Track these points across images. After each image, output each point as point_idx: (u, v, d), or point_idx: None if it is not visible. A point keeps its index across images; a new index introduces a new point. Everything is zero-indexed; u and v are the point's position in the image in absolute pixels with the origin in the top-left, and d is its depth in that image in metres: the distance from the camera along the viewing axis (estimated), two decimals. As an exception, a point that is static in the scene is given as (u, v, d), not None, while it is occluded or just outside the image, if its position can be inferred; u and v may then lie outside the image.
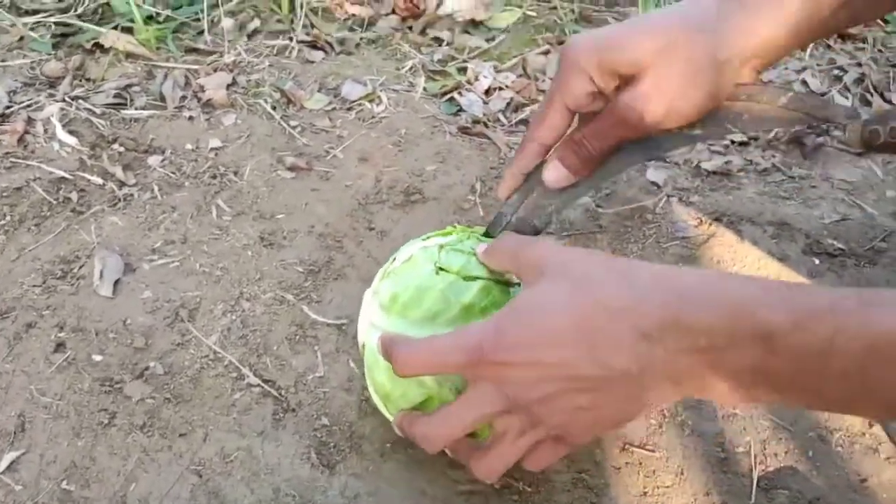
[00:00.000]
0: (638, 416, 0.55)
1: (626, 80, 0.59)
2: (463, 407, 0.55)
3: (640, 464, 0.73)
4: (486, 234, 0.70)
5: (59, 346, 0.80)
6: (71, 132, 1.06)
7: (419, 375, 0.58)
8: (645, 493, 0.71)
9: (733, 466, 0.74)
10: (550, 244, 0.61)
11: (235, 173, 1.03)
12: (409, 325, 0.62)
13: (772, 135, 1.20)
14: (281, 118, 1.12)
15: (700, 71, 0.57)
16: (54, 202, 0.96)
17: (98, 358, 0.79)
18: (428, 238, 0.70)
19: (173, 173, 1.02)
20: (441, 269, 0.64)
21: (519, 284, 0.65)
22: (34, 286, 0.86)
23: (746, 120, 0.62)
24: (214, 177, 1.02)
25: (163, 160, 1.04)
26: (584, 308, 0.50)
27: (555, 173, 0.65)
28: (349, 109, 1.17)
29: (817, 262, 0.96)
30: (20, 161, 1.01)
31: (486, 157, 1.10)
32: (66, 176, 1.00)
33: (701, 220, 1.03)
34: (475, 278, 0.64)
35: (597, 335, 0.49)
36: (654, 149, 0.65)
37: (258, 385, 0.77)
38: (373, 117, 1.15)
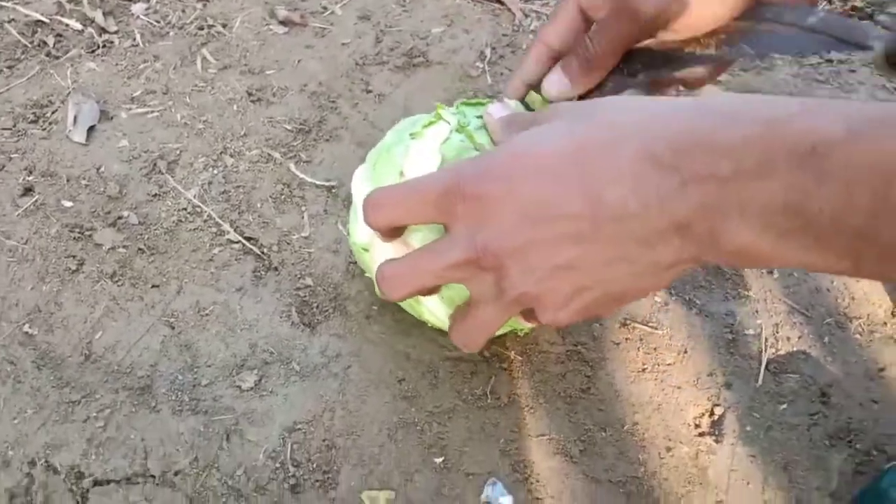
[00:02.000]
0: (628, 296, 0.43)
1: None
2: (430, 252, 0.45)
3: (641, 340, 0.68)
4: None
5: (28, 191, 0.74)
6: (49, -27, 0.98)
7: (395, 223, 0.48)
8: (644, 370, 0.66)
9: (741, 348, 0.69)
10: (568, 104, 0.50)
11: (224, 25, 0.95)
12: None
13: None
14: (277, -30, 1.03)
15: None
16: (29, 45, 0.89)
17: (68, 204, 0.73)
18: (417, 135, 0.59)
19: (157, 22, 0.94)
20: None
21: None
22: (4, 129, 0.80)
23: (766, 42, 0.53)
24: (201, 28, 0.94)
25: (147, 8, 0.96)
26: (580, 133, 0.40)
27: (554, 81, 0.56)
28: (352, -35, 1.07)
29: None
30: (-7, 1, 0.94)
31: (498, 23, 1.02)
32: (43, 19, 0.92)
33: (726, 100, 0.95)
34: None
35: (591, 161, 0.39)
36: (663, 68, 0.57)
37: (238, 241, 0.72)
38: (377, -26, 1.06)
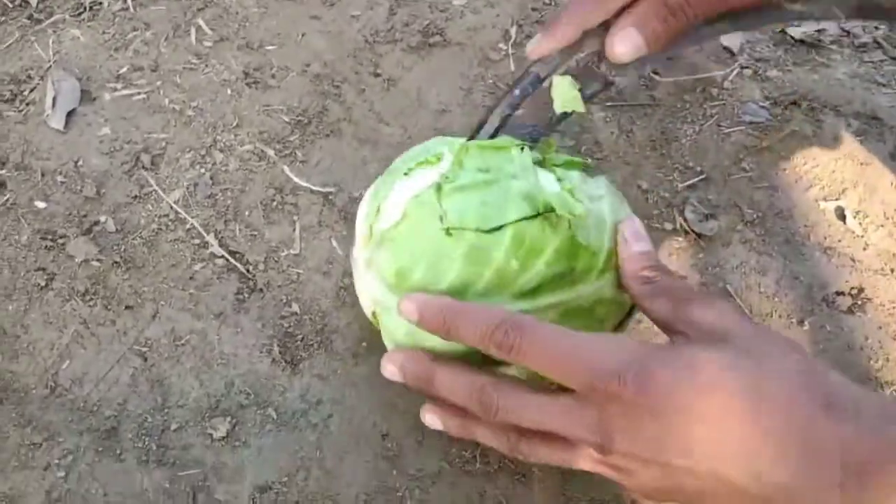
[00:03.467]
0: None
1: None
2: (548, 402, 0.42)
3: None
4: (501, 116, 0.53)
5: (0, 186, 0.69)
6: (34, -84, 0.88)
7: (545, 370, 0.42)
8: None
9: None
10: (730, 308, 0.43)
11: (224, -12, 0.86)
12: None
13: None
14: (286, -79, 0.93)
15: None
16: (9, 5, 0.82)
17: (41, 205, 0.68)
18: (410, 172, 0.52)
19: (151, -19, 0.86)
20: (451, 228, 0.47)
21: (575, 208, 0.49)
22: (-23, 108, 0.74)
23: (856, 6, 0.45)
24: (199, -10, 0.85)
25: (140, -37, 0.87)
26: (773, 398, 0.36)
27: (628, 43, 0.47)
28: (370, -83, 0.96)
29: (906, 170, 0.80)
30: (-28, -53, 0.85)
31: (527, -5, 0.91)
32: (26, -28, 0.84)
33: (775, 102, 0.85)
34: (500, 227, 0.47)
35: (767, 423, 0.35)
36: (743, 21, 0.49)
37: (222, 257, 0.67)
38: (397, -70, 0.95)
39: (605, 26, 0.49)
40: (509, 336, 0.41)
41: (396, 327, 0.50)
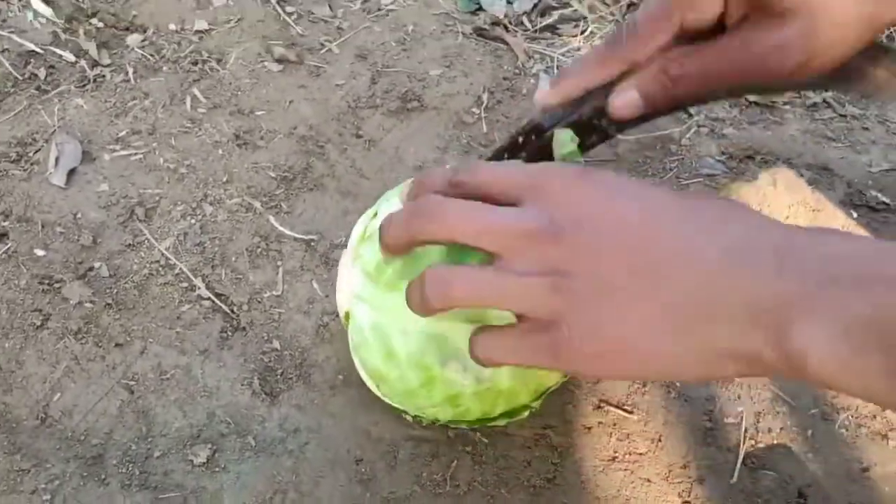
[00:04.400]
0: (660, 367, 0.39)
1: (761, 13, 0.46)
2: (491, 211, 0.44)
3: (615, 425, 0.66)
4: (503, 151, 0.58)
5: (2, 237, 0.74)
6: (47, 2, 0.97)
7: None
8: (614, 458, 0.64)
9: (719, 439, 0.66)
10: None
11: (219, 61, 0.93)
12: (404, 300, 0.53)
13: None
14: (276, 2, 1.01)
15: (850, 23, 0.45)
16: (20, 77, 0.89)
17: (40, 253, 0.73)
18: None
19: (152, 55, 0.93)
20: None
21: None
22: (-15, 168, 0.79)
23: (873, 87, 0.50)
24: (195, 63, 0.93)
25: (143, 40, 0.95)
26: (691, 198, 0.42)
27: (628, 103, 0.50)
28: (354, -2, 1.05)
29: (855, 215, 0.85)
30: (-11, 29, 0.93)
31: (499, 65, 0.99)
32: (37, 50, 0.92)
33: (731, 156, 0.91)
34: None
35: (700, 213, 0.40)
36: (752, 89, 0.53)
37: (209, 298, 0.71)
38: (379, 9, 1.04)
39: (610, 86, 0.52)
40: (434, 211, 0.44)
41: (364, 319, 0.54)
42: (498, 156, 0.58)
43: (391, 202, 0.59)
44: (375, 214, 0.59)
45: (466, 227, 0.43)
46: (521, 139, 0.56)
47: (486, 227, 0.42)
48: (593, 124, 0.54)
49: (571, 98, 0.54)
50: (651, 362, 0.39)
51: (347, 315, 0.59)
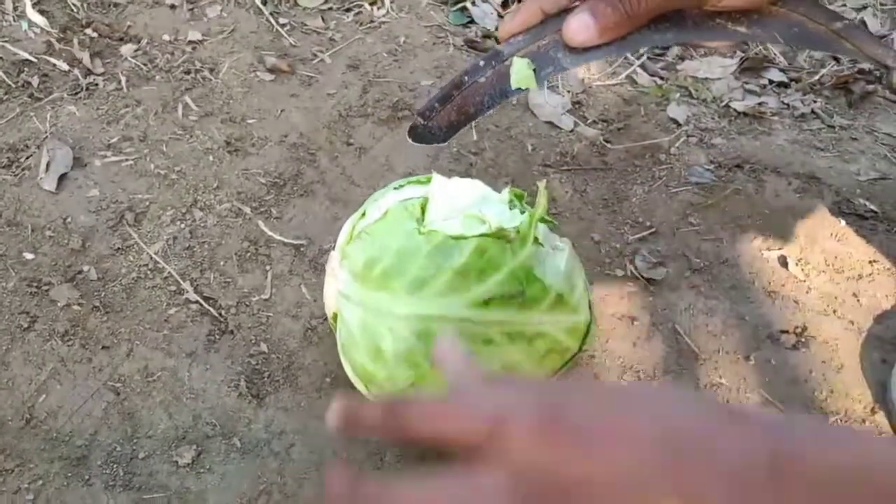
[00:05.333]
0: None
1: None
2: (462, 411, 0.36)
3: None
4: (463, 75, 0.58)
5: (-9, 240, 0.74)
6: (42, 12, 0.98)
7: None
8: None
9: (708, 442, 0.66)
10: None
11: (211, 70, 0.94)
12: (391, 298, 0.53)
13: (816, 77, 1.07)
14: (270, 14, 1.03)
15: None
16: (13, 85, 0.89)
17: (29, 256, 0.73)
18: (401, 187, 0.60)
19: (145, 65, 0.94)
20: (424, 228, 0.54)
21: (534, 241, 0.55)
22: (-24, 173, 0.80)
23: (796, 34, 0.52)
24: (188, 72, 0.93)
25: (136, 50, 0.96)
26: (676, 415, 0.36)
27: (581, 29, 0.51)
28: (347, 10, 1.06)
29: (843, 223, 0.85)
30: (-16, 38, 0.94)
31: (490, 76, 1.00)
32: (31, 59, 0.92)
33: (720, 165, 0.92)
34: (466, 237, 0.53)
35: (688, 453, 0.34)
36: (691, 32, 0.55)
37: (196, 302, 0.71)
38: (371, 21, 1.05)
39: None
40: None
41: (351, 318, 0.54)
42: (458, 80, 0.59)
43: (378, 203, 0.59)
44: (363, 214, 0.60)
45: None
46: (481, 63, 0.57)
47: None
48: (550, 55, 0.55)
49: (530, 24, 0.54)
50: None
51: (335, 316, 0.59)
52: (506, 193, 0.60)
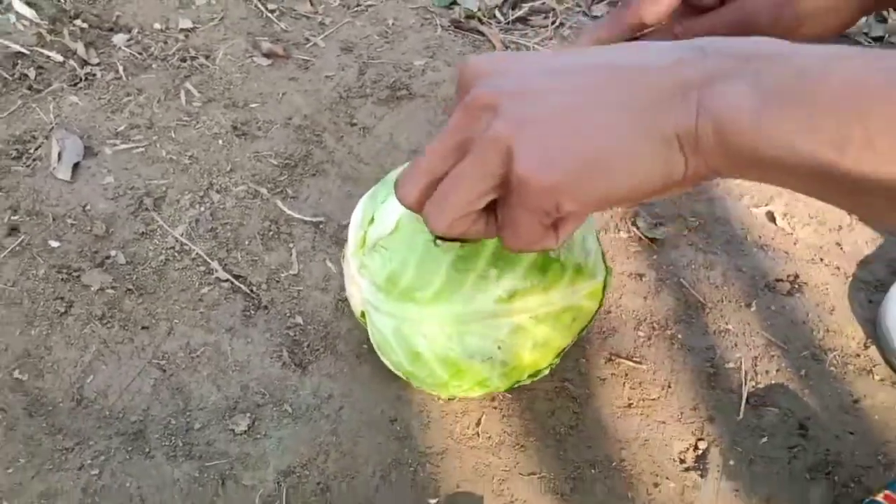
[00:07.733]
0: (620, 168, 0.37)
1: None
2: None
3: (626, 375, 0.70)
4: None
5: (13, 230, 0.74)
6: (29, 4, 0.97)
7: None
8: (630, 405, 0.68)
9: (722, 382, 0.71)
10: None
11: (207, 57, 0.95)
12: (419, 309, 0.55)
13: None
14: (258, 0, 1.04)
15: None
16: (10, 78, 0.89)
17: (55, 244, 0.73)
18: None
19: (140, 54, 0.94)
20: (438, 240, 0.54)
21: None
22: (-14, 166, 0.79)
23: None
24: (184, 60, 0.94)
25: (129, 39, 0.96)
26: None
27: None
28: (333, -5, 1.08)
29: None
30: (-29, 32, 0.93)
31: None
32: (23, 51, 0.92)
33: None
34: (483, 242, 0.54)
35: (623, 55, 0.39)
36: None
37: (227, 280, 0.73)
38: (358, 5, 1.07)
39: None
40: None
41: (383, 325, 0.56)
42: None
43: (384, 207, 0.59)
44: (372, 220, 0.59)
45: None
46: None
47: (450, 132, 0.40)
48: None
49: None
50: (613, 164, 0.38)
51: (363, 314, 0.61)
52: None
